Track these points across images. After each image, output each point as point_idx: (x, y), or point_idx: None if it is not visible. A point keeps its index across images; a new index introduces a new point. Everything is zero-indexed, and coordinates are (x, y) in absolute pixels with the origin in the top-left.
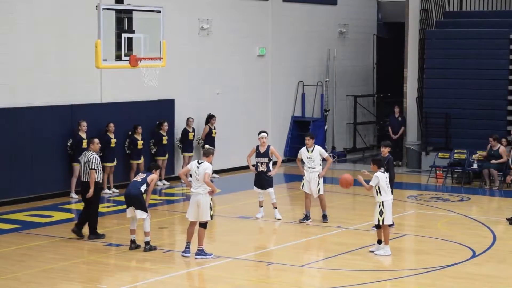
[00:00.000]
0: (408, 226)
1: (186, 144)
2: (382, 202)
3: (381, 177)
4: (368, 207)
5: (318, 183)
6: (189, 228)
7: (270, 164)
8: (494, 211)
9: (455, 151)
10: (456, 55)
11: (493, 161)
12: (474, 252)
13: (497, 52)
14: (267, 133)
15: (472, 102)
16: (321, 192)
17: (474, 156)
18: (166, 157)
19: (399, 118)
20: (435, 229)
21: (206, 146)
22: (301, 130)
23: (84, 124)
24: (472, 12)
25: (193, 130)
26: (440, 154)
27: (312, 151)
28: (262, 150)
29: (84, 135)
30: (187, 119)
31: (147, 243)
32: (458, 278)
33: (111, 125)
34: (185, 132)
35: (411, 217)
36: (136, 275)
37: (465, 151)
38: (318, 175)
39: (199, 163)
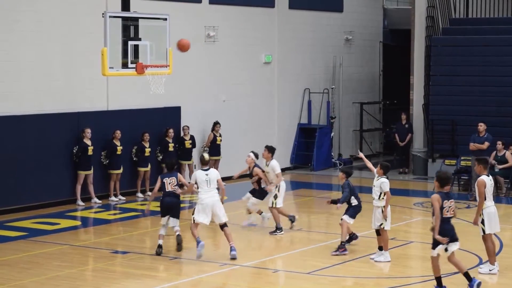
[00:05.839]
0: (415, 233)
1: (184, 152)
2: (383, 206)
3: (388, 183)
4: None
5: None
6: (194, 229)
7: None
8: (501, 218)
9: (462, 158)
10: (462, 62)
11: (499, 166)
12: (480, 259)
13: (504, 59)
14: (253, 153)
15: (478, 109)
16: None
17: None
18: None
19: (406, 125)
20: None
21: (206, 154)
22: (307, 137)
23: (88, 131)
24: (478, 19)
25: (191, 138)
26: (447, 161)
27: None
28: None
29: (89, 142)
30: (183, 127)
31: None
32: (464, 286)
33: (118, 132)
34: (181, 141)
35: (418, 224)
36: (142, 283)
37: (471, 158)
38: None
39: (205, 170)
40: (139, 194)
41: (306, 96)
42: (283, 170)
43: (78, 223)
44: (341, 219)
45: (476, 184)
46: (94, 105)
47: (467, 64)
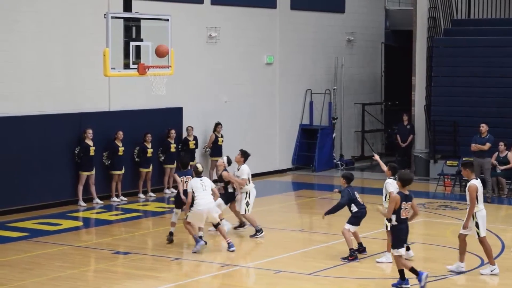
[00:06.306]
0: (416, 234)
1: (188, 153)
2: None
3: (393, 184)
4: (376, 214)
5: (248, 203)
6: (188, 225)
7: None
8: (503, 219)
9: (463, 159)
10: (464, 63)
11: (501, 167)
12: (482, 260)
13: (505, 60)
14: (227, 158)
15: (480, 110)
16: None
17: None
18: (174, 165)
19: (408, 126)
20: (443, 237)
21: (199, 165)
22: (309, 138)
23: (90, 132)
24: (480, 20)
25: (195, 138)
26: (448, 162)
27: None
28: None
29: (90, 143)
30: (187, 128)
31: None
32: (466, 287)
33: (120, 133)
34: (185, 141)
35: (419, 225)
36: (144, 283)
37: (473, 159)
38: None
39: (199, 177)
40: (141, 195)
41: (307, 97)
42: (284, 171)
43: (80, 223)
44: (344, 228)
45: (467, 189)
46: (96, 106)
47: (469, 65)
